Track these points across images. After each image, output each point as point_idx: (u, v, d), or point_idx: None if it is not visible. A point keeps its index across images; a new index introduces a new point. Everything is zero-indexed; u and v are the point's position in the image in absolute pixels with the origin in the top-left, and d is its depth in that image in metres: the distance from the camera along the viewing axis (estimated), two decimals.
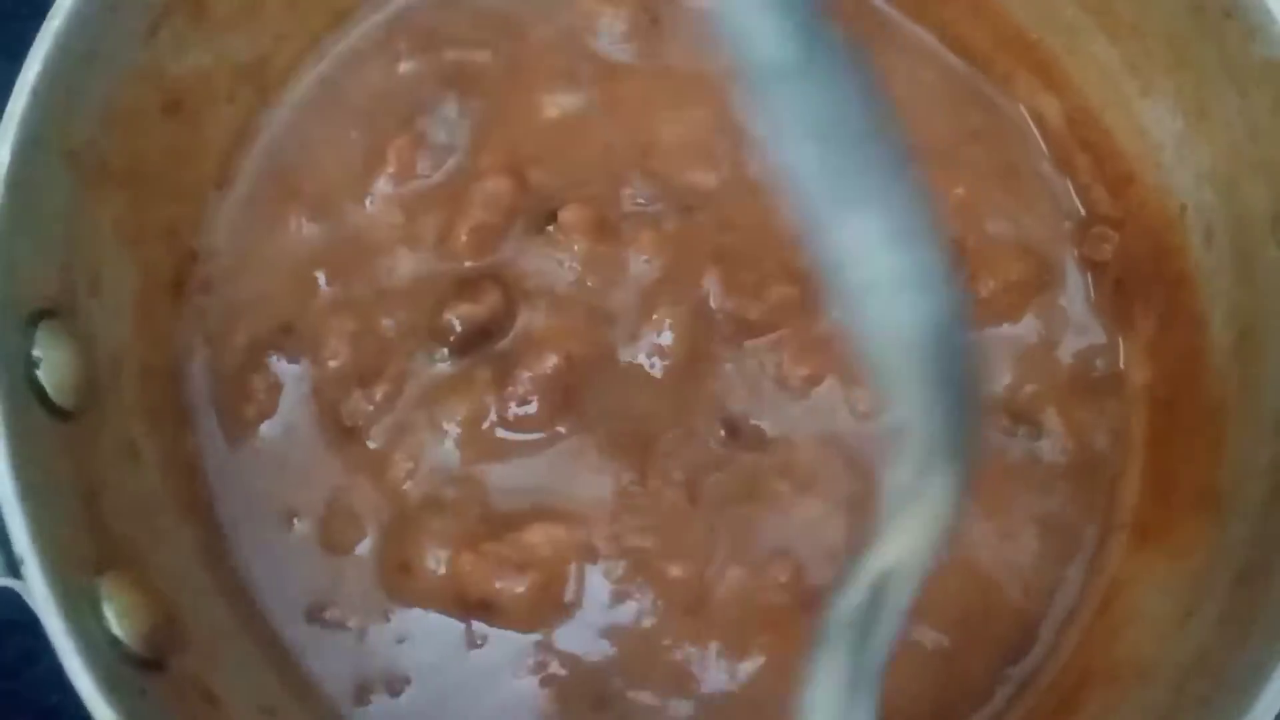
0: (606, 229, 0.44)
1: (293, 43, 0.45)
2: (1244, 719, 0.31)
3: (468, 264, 0.43)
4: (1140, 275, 0.43)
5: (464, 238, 0.43)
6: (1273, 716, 0.30)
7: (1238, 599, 0.35)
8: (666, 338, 0.43)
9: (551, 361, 0.42)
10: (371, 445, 0.42)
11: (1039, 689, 0.41)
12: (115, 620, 0.34)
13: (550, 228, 0.44)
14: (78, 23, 0.36)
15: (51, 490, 0.34)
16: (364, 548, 0.42)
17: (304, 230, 0.44)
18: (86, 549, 0.35)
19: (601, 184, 0.45)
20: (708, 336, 0.43)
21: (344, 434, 0.43)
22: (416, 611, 0.41)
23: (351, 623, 0.41)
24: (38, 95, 0.35)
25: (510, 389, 0.42)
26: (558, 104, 0.46)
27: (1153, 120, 0.41)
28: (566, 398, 0.42)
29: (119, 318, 0.40)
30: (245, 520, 0.42)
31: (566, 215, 0.43)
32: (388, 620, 0.41)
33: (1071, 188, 0.46)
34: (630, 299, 0.43)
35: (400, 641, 0.41)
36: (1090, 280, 0.45)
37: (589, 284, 0.43)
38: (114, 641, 0.34)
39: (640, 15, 0.46)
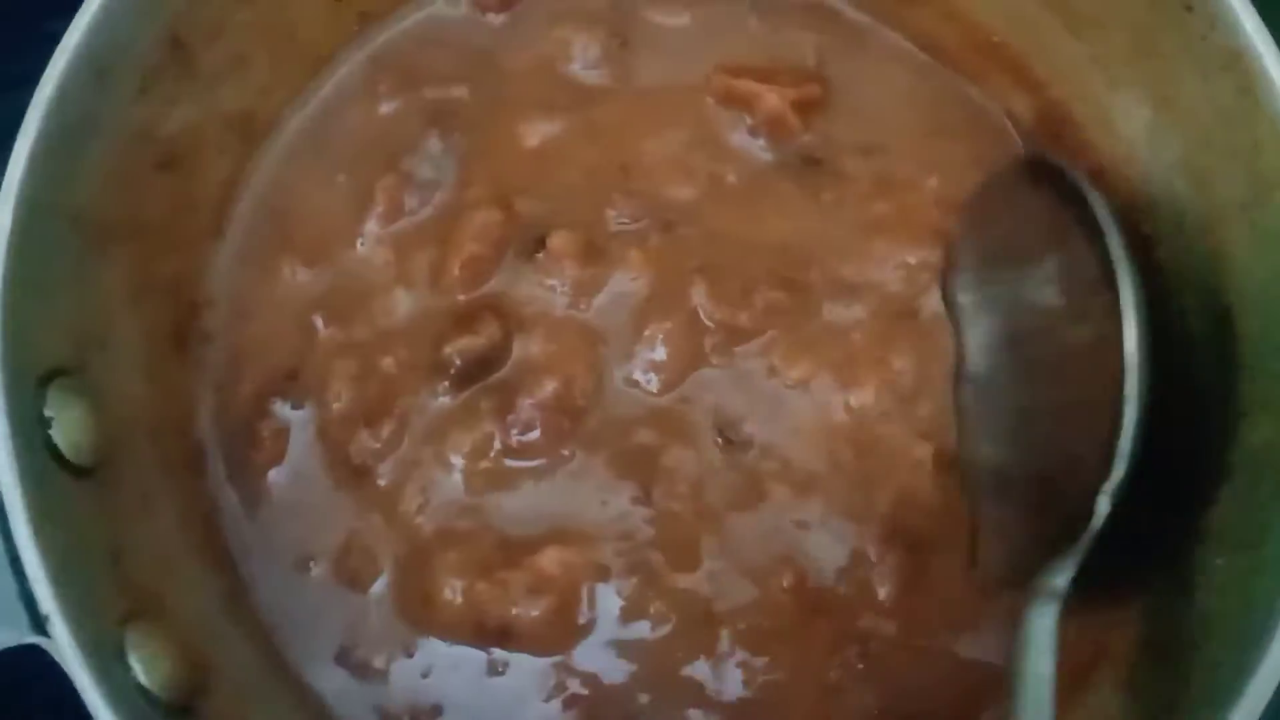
0: (594, 251, 0.45)
1: (277, 92, 0.46)
2: (1253, 676, 0.32)
3: (461, 297, 0.44)
4: None
5: (457, 272, 0.44)
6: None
7: (1235, 568, 0.35)
8: (660, 353, 0.44)
9: (551, 387, 0.43)
10: (381, 483, 0.43)
11: None
12: (142, 670, 0.35)
13: (539, 255, 0.44)
14: (69, 88, 0.37)
15: (74, 547, 0.35)
16: (381, 584, 0.43)
17: (299, 276, 0.45)
18: (111, 601, 0.36)
19: (586, 207, 0.46)
20: (700, 347, 0.44)
21: (353, 474, 0.44)
22: (438, 644, 0.42)
23: (376, 661, 0.42)
24: (35, 161, 0.36)
25: (512, 417, 0.43)
26: (537, 132, 0.47)
27: (1121, 113, 0.42)
28: (568, 421, 0.43)
29: (128, 373, 0.41)
30: (263, 566, 0.43)
31: (555, 242, 0.44)
32: (410, 655, 0.42)
33: None
34: (622, 318, 0.44)
35: (425, 675, 0.42)
36: None
37: (581, 307, 0.44)
38: (142, 691, 0.35)
39: (610, 39, 0.48)
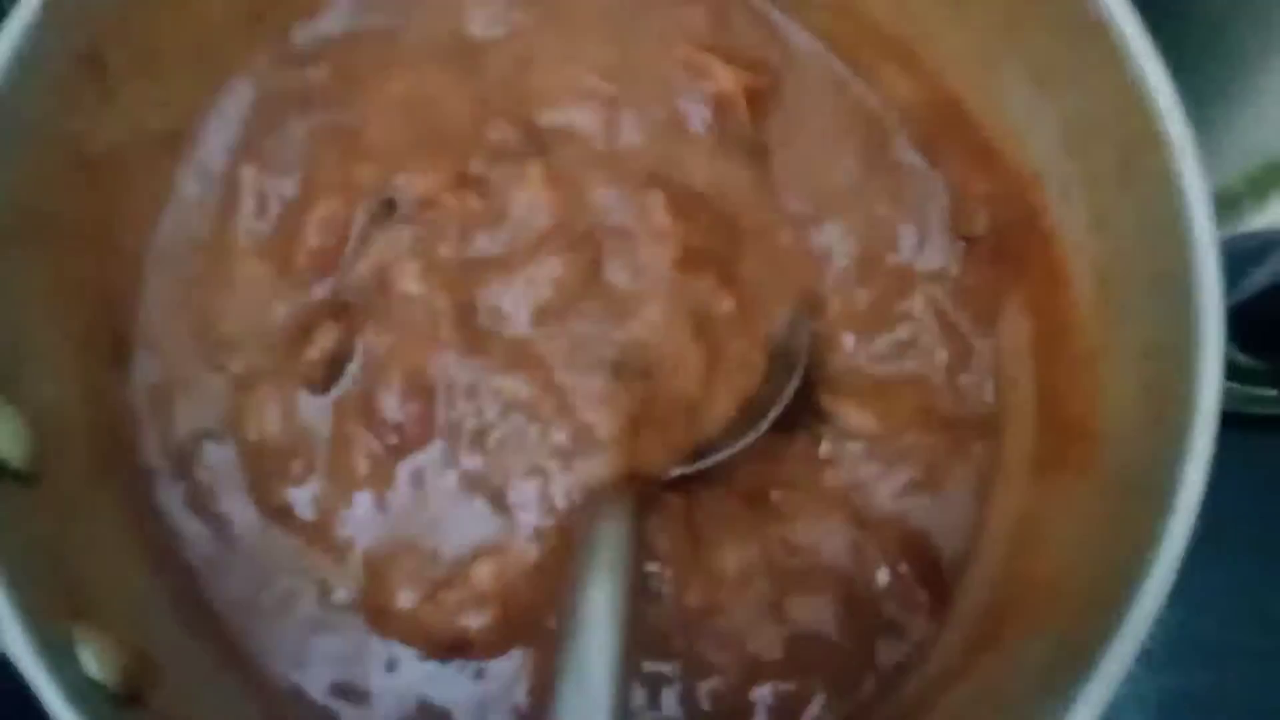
0: (468, 182, 0.45)
1: (197, 108, 0.47)
2: (1131, 611, 0.34)
3: (316, 287, 0.45)
4: (1013, 241, 0.46)
5: (304, 261, 0.45)
6: (1159, 602, 0.34)
7: (1128, 513, 0.37)
8: (545, 289, 0.45)
9: (396, 382, 0.44)
10: (307, 518, 0.45)
11: (965, 620, 0.44)
12: (91, 662, 0.36)
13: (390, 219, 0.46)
14: None
15: (19, 548, 0.36)
16: (342, 598, 0.44)
17: (199, 299, 0.46)
18: (57, 600, 0.37)
19: (457, 144, 0.46)
20: (596, 275, 0.45)
21: (278, 512, 0.45)
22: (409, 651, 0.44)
23: (364, 684, 0.44)
24: None
25: (377, 422, 0.44)
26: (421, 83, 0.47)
27: (1004, 92, 0.44)
28: (429, 408, 0.45)
29: (61, 385, 0.42)
30: (220, 583, 0.45)
31: (405, 188, 0.46)
32: (390, 667, 0.44)
33: (943, 170, 0.49)
34: (506, 254, 0.45)
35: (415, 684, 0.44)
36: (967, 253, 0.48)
37: (443, 258, 0.45)
38: (91, 683, 0.36)
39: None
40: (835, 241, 0.48)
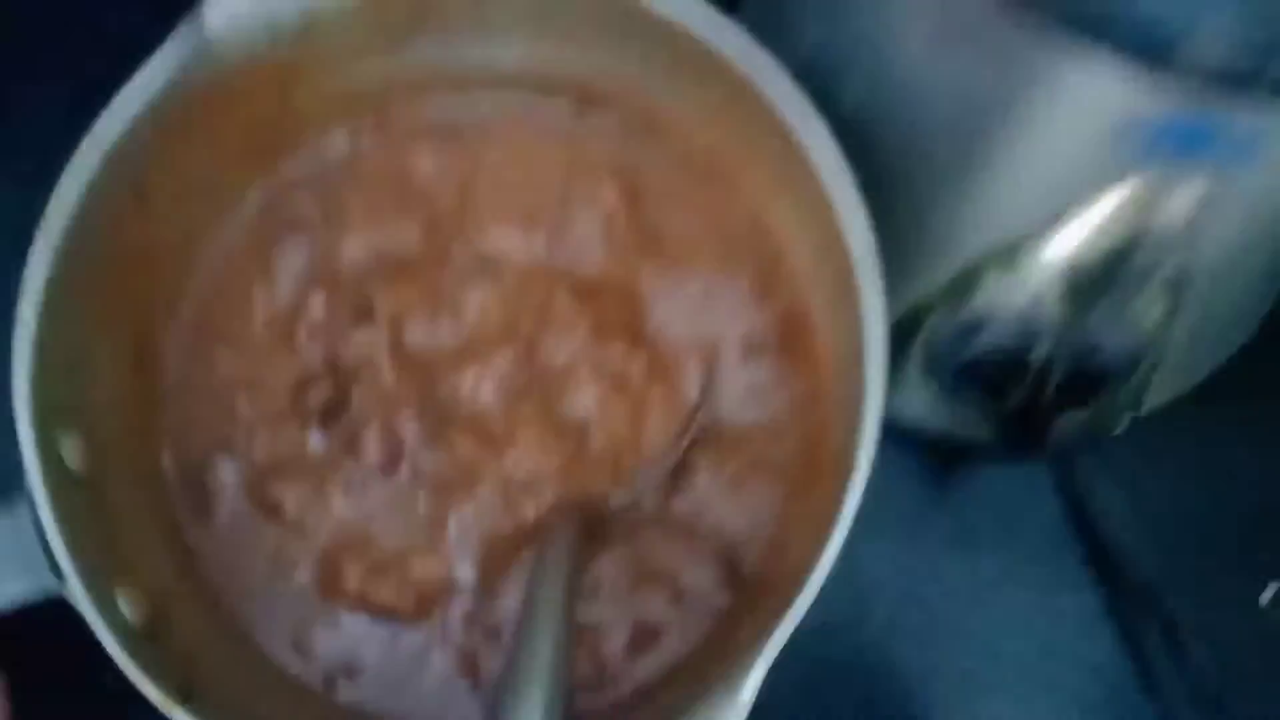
0: (430, 293, 0.55)
1: (210, 216, 0.58)
2: (807, 586, 0.48)
3: (312, 354, 0.56)
4: (798, 321, 0.58)
5: (302, 338, 0.56)
6: (823, 578, 0.47)
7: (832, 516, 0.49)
8: (496, 373, 0.56)
9: (374, 431, 0.55)
10: (291, 516, 0.56)
11: (748, 601, 0.55)
12: (126, 609, 0.48)
13: (368, 322, 0.56)
14: (66, 233, 0.48)
15: (79, 530, 0.48)
16: (304, 575, 0.56)
17: (222, 357, 0.57)
18: (103, 566, 0.49)
19: (422, 267, 0.56)
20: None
21: (271, 510, 0.56)
22: (349, 615, 0.56)
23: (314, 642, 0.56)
24: (50, 276, 0.48)
25: (358, 456, 0.56)
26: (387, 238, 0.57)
27: (783, 218, 0.57)
28: (397, 451, 0.56)
29: (110, 419, 0.53)
30: (213, 561, 0.57)
31: (380, 305, 0.56)
32: (335, 625, 0.56)
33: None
34: (464, 348, 0.56)
35: (348, 638, 0.56)
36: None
37: (411, 355, 0.55)
38: (126, 622, 0.47)
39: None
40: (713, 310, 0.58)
